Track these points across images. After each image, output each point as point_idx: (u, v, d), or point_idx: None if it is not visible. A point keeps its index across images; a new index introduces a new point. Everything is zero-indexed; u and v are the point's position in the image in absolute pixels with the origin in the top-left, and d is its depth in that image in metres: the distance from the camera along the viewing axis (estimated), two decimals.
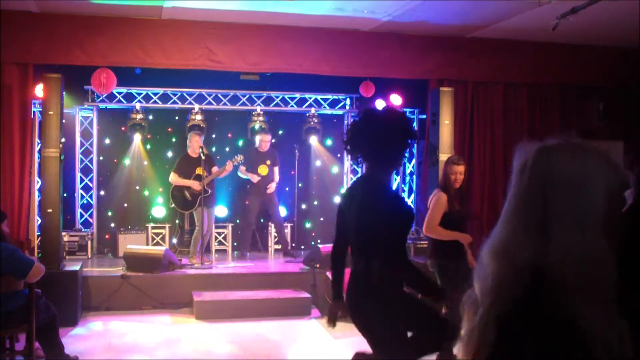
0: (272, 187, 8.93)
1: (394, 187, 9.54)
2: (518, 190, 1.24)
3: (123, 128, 9.40)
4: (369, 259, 3.14)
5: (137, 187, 9.68)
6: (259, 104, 9.71)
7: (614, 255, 1.13)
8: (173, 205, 8.64)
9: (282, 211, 9.24)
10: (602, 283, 1.12)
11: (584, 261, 1.12)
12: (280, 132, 10.02)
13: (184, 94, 9.48)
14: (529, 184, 1.22)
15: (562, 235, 1.14)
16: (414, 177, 9.62)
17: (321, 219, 10.27)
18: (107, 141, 9.61)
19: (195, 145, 8.33)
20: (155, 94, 9.39)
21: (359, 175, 9.89)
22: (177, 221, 9.57)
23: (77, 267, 6.92)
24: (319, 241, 9.60)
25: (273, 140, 9.28)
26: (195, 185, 8.32)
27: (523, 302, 1.13)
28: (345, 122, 10.48)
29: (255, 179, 8.74)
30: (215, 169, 8.48)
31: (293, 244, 9.46)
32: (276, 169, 9.02)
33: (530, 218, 1.19)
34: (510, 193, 1.27)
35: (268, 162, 8.93)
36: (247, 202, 9.66)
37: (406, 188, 10.02)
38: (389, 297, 3.12)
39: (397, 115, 3.26)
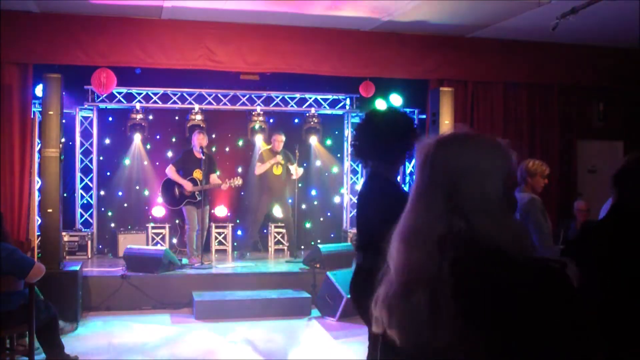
0: (299, 171, 8.90)
1: None
2: (421, 183, 1.40)
3: (123, 128, 9.40)
4: (370, 255, 3.15)
5: (137, 187, 9.68)
6: (259, 104, 9.71)
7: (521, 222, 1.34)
8: (160, 197, 8.64)
9: (277, 211, 9.24)
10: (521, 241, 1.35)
11: (504, 234, 1.33)
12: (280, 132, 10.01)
13: (184, 94, 9.48)
14: (431, 177, 1.38)
15: (477, 217, 1.32)
16: (414, 177, 9.61)
17: (321, 219, 10.28)
18: (107, 141, 9.62)
19: (198, 144, 8.33)
20: (155, 94, 9.39)
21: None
22: (177, 221, 9.57)
23: (77, 267, 6.92)
24: (319, 241, 9.60)
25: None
26: (188, 186, 8.30)
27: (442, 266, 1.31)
28: (345, 122, 10.49)
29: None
30: (214, 177, 8.45)
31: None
32: (292, 167, 8.92)
33: (437, 207, 1.34)
34: (414, 186, 1.44)
35: (282, 162, 8.90)
36: (247, 202, 9.66)
37: (406, 188, 10.00)
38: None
39: (398, 115, 3.31)
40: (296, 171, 8.92)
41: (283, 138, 8.93)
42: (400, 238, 1.39)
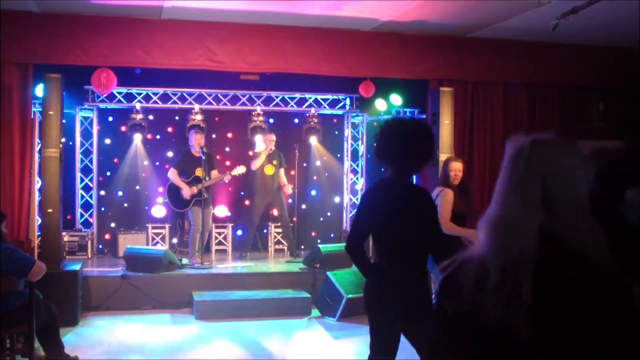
0: (288, 189, 8.92)
1: None
2: (514, 174, 1.49)
3: (123, 128, 9.40)
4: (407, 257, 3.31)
5: (137, 187, 9.69)
6: (259, 104, 9.71)
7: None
8: (167, 201, 8.66)
9: (274, 211, 9.25)
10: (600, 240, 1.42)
11: (588, 235, 1.41)
12: (280, 132, 10.01)
13: (184, 94, 9.49)
14: (526, 171, 1.46)
15: (565, 216, 1.42)
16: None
17: (321, 219, 10.28)
18: (107, 141, 9.62)
19: (195, 143, 8.33)
20: (155, 94, 9.39)
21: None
22: (177, 221, 9.58)
23: (77, 267, 6.92)
24: (319, 241, 9.60)
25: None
26: (185, 191, 8.30)
27: (531, 256, 1.39)
28: (345, 122, 10.49)
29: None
30: (214, 173, 8.47)
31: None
32: (282, 171, 8.98)
33: (529, 198, 1.44)
34: (504, 176, 1.51)
35: (274, 162, 8.92)
36: (247, 202, 9.66)
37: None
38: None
39: (424, 126, 3.46)
40: (281, 178, 8.95)
41: (273, 137, 8.95)
42: (492, 225, 1.46)
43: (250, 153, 9.67)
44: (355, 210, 3.56)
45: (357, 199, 9.87)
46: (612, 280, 1.37)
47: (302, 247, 9.41)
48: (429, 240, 3.40)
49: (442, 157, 7.18)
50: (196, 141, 8.33)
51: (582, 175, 1.47)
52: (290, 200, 9.29)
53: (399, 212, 3.32)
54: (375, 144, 3.42)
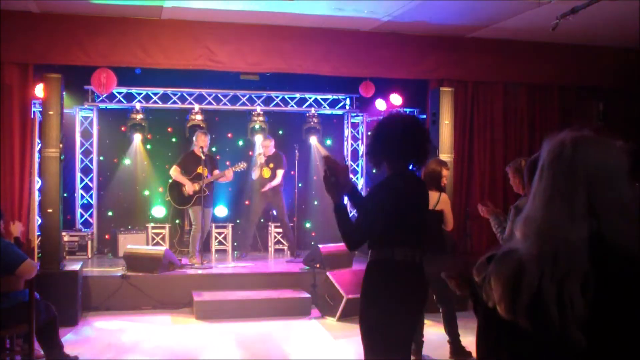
0: (266, 187, 8.90)
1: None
2: (557, 177, 1.42)
3: (123, 128, 9.40)
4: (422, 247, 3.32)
5: (137, 187, 9.69)
6: (259, 104, 9.72)
7: None
8: (169, 198, 8.68)
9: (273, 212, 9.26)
10: None
11: (636, 236, 1.37)
12: (280, 132, 10.02)
13: (184, 94, 9.49)
14: (570, 174, 1.40)
15: (611, 219, 1.37)
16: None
17: (321, 219, 10.27)
18: (107, 141, 9.62)
19: (201, 144, 8.34)
20: (155, 94, 9.39)
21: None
22: (177, 221, 9.58)
23: (77, 267, 6.92)
24: (319, 241, 9.59)
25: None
26: (188, 186, 8.31)
27: (584, 263, 1.35)
28: (345, 122, 10.49)
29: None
30: (216, 172, 8.48)
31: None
32: (279, 172, 8.98)
33: (576, 205, 1.38)
34: (546, 178, 1.44)
35: (271, 165, 8.92)
36: (247, 202, 9.66)
37: None
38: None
39: (407, 118, 3.41)
40: (277, 176, 8.91)
41: (268, 143, 8.95)
42: (537, 229, 1.40)
43: (250, 153, 9.68)
44: (365, 210, 3.43)
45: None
46: None
47: (302, 247, 9.41)
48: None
49: (443, 157, 7.19)
50: (202, 142, 8.36)
51: (625, 173, 1.42)
52: (289, 200, 9.28)
53: (416, 204, 3.35)
54: (373, 141, 3.37)
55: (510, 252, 1.44)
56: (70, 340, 5.89)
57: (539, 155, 2.27)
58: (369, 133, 3.47)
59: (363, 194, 4.34)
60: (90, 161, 9.49)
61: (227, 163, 9.29)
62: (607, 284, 1.34)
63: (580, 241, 1.35)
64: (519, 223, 1.46)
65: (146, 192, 9.74)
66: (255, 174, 8.90)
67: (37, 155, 7.23)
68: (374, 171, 10.41)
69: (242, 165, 8.62)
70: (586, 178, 1.39)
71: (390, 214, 3.22)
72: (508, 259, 1.42)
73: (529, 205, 1.46)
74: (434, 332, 6.16)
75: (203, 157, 8.27)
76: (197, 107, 9.33)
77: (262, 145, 9.00)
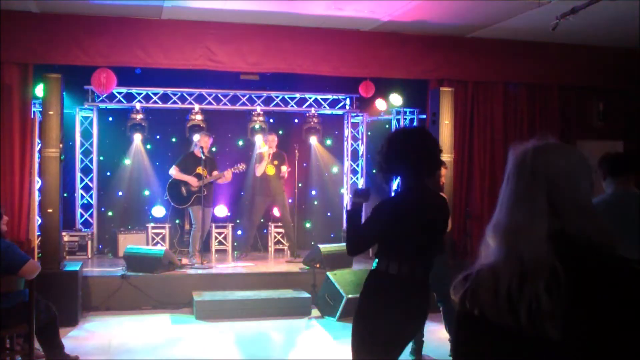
0: (285, 173, 8.90)
1: (393, 186, 9.60)
2: (519, 184, 1.55)
3: (123, 128, 9.40)
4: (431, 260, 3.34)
5: (137, 187, 9.69)
6: (259, 104, 9.72)
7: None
8: (167, 197, 8.69)
9: (275, 211, 9.25)
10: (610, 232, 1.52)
11: (595, 230, 1.50)
12: (280, 132, 10.02)
13: (184, 94, 9.49)
14: (531, 180, 1.53)
15: (572, 217, 1.50)
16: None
17: (321, 219, 10.27)
18: (107, 141, 9.62)
19: (204, 145, 8.36)
20: (155, 94, 9.39)
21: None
22: (177, 221, 9.58)
23: (77, 267, 6.93)
24: (319, 241, 9.59)
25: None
26: (193, 182, 8.37)
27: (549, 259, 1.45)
28: (345, 122, 10.49)
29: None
30: (215, 173, 8.50)
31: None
32: (283, 168, 8.97)
33: (536, 207, 1.50)
34: (510, 185, 1.58)
35: (275, 163, 8.93)
36: (247, 202, 9.66)
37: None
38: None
39: (427, 135, 3.45)
40: (282, 172, 8.93)
41: (274, 137, 8.97)
42: (502, 233, 1.53)
43: (250, 153, 9.68)
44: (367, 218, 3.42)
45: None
46: (628, 263, 1.46)
47: (302, 247, 9.41)
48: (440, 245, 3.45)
49: (443, 157, 7.17)
50: (204, 143, 8.39)
51: (583, 175, 1.54)
52: (290, 200, 9.29)
53: (426, 220, 3.31)
54: (385, 155, 3.36)
55: (484, 264, 1.54)
56: (70, 340, 5.88)
57: None
58: (378, 150, 3.45)
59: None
60: (90, 161, 9.49)
61: (227, 163, 9.30)
62: (575, 275, 1.43)
63: (541, 239, 1.46)
64: (488, 229, 1.58)
65: (146, 192, 9.74)
66: (259, 170, 8.87)
67: (37, 155, 7.23)
68: (374, 171, 10.43)
69: (241, 167, 8.63)
70: (546, 181, 1.51)
71: (390, 227, 3.24)
72: (484, 270, 1.53)
73: (496, 212, 1.59)
74: (434, 332, 6.16)
75: (203, 157, 8.28)
76: (197, 107, 9.33)
77: (268, 140, 8.96)
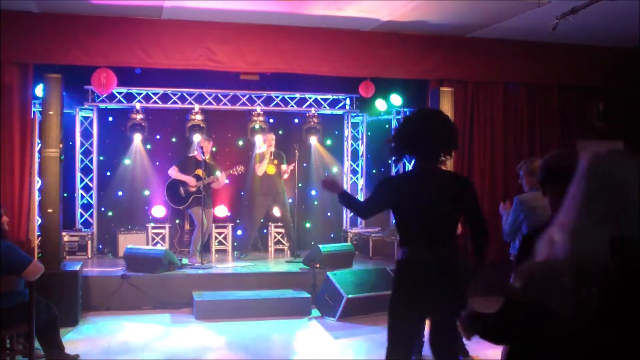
0: (287, 171, 8.89)
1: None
2: (586, 188, 1.66)
3: (123, 128, 9.40)
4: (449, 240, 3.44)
5: (137, 187, 9.69)
6: (259, 104, 9.72)
7: None
8: (166, 198, 8.71)
9: (276, 211, 9.25)
10: None
11: None
12: (280, 132, 10.02)
13: (184, 94, 9.49)
14: (600, 184, 1.64)
15: (633, 224, 1.59)
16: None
17: (321, 219, 10.27)
18: (107, 141, 9.62)
19: (204, 149, 8.38)
20: (155, 94, 9.39)
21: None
22: (177, 221, 9.58)
23: (77, 267, 6.92)
24: (319, 241, 9.59)
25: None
26: (191, 182, 8.39)
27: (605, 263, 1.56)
28: (345, 122, 10.49)
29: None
30: (212, 176, 8.50)
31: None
32: (284, 167, 8.97)
33: (601, 211, 1.61)
34: (577, 189, 1.69)
35: (275, 162, 8.93)
36: (247, 202, 9.66)
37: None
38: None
39: (448, 117, 3.58)
40: (283, 171, 8.92)
41: (272, 136, 8.97)
42: (568, 234, 1.64)
43: (250, 153, 9.68)
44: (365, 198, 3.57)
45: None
46: None
47: (302, 247, 9.41)
48: (456, 225, 3.58)
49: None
50: (205, 147, 8.41)
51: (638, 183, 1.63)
52: (290, 200, 9.29)
53: (425, 199, 3.33)
54: (398, 133, 3.43)
55: (548, 259, 1.67)
56: (70, 340, 5.88)
57: (552, 156, 2.36)
58: (395, 126, 3.61)
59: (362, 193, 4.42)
60: (90, 161, 9.49)
61: (227, 163, 9.31)
62: (632, 279, 1.54)
63: (603, 243, 1.56)
64: (553, 227, 1.69)
65: (146, 192, 9.74)
66: (260, 170, 8.86)
67: (37, 155, 7.23)
68: (374, 171, 10.43)
69: (239, 169, 8.62)
70: (613, 188, 1.62)
71: (384, 199, 3.49)
72: (548, 264, 1.65)
73: (563, 212, 1.69)
74: None
75: (203, 158, 8.28)
76: (197, 107, 9.33)
77: (268, 139, 8.94)
